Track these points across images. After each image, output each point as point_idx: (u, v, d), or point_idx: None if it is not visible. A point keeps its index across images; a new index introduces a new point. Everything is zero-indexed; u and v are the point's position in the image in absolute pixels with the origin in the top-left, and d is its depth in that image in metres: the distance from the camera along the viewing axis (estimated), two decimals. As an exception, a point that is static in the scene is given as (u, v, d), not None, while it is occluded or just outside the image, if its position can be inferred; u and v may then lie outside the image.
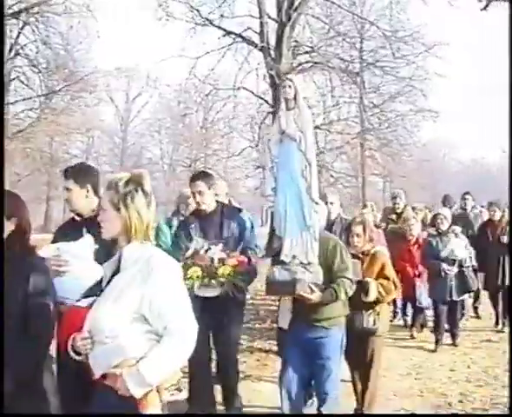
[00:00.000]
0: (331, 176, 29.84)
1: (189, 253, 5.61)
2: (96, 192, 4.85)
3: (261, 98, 21.95)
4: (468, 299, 11.09)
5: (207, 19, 20.27)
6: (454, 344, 9.55)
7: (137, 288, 3.09)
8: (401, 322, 11.07)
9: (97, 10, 20.92)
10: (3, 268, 3.45)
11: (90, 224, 4.48)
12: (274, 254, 5.43)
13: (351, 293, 5.35)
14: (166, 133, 53.96)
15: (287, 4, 19.45)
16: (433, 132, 49.99)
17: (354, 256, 5.90)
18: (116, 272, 3.25)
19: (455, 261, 9.32)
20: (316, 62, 21.65)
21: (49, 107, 26.14)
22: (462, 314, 10.62)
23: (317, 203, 5.24)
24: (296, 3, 19.64)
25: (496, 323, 10.80)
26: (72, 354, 3.20)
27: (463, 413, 6.79)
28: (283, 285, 5.20)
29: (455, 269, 9.31)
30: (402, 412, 6.74)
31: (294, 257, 5.18)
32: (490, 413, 6.81)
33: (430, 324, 10.27)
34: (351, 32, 24.54)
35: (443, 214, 9.78)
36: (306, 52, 21.93)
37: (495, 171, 62.84)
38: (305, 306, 5.17)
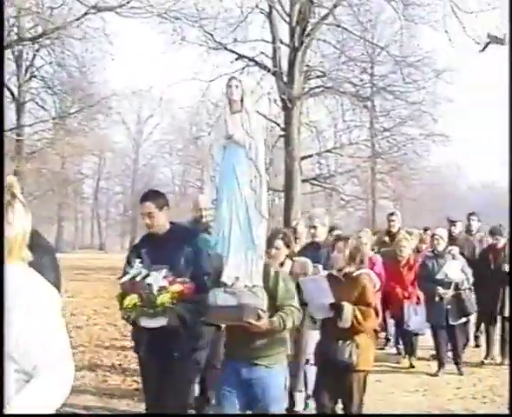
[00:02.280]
0: (342, 199, 30.12)
1: (125, 279, 4.88)
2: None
3: (273, 122, 22.21)
4: (471, 325, 10.36)
5: (220, 43, 20.65)
6: (459, 373, 9.03)
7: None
8: (393, 350, 10.53)
9: (112, 34, 21.22)
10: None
11: None
12: (213, 274, 4.66)
13: (297, 323, 4.79)
14: (177, 155, 54.35)
15: (300, 30, 19.77)
16: (444, 156, 49.99)
17: (335, 278, 5.42)
18: None
19: (450, 283, 8.88)
20: (327, 87, 22.01)
21: (63, 128, 26.43)
22: (465, 343, 9.83)
23: (266, 219, 4.59)
24: (308, 29, 19.99)
25: (486, 356, 9.87)
26: None
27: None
28: (228, 311, 4.46)
29: (450, 292, 8.87)
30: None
31: (237, 279, 4.47)
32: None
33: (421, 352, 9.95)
34: (363, 57, 24.93)
35: (438, 234, 9.32)
36: (318, 77, 22.27)
37: (506, 196, 62.14)
38: (241, 340, 4.56)
